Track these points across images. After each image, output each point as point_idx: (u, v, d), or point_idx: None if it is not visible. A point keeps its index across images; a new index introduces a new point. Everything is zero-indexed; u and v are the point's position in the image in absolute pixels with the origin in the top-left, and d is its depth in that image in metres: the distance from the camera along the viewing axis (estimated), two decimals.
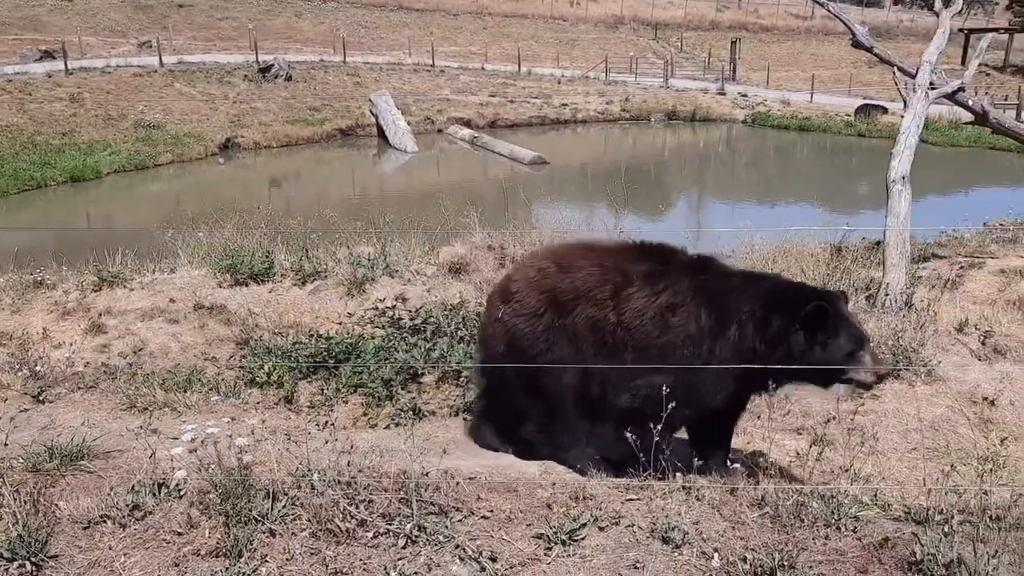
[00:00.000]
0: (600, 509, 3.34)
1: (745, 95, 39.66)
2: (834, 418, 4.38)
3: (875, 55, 9.88)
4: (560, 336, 3.96)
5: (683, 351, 3.66)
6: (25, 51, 31.03)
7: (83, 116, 26.14)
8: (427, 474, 3.47)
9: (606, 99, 38.46)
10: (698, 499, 3.38)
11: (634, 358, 3.75)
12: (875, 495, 3.50)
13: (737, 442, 4.47)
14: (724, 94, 39.86)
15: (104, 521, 3.34)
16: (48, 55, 30.50)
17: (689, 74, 44.63)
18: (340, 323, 6.64)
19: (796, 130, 34.68)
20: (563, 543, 3.16)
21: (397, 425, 4.89)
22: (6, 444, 3.64)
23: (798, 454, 3.48)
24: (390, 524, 3.25)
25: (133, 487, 3.49)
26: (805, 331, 3.54)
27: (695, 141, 35.98)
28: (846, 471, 3.76)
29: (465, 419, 4.94)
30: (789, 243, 8.88)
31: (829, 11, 10.22)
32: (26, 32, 33.42)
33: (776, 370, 3.55)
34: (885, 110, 33.47)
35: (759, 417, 4.96)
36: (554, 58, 43.66)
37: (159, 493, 3.47)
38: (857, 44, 9.83)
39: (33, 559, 3.13)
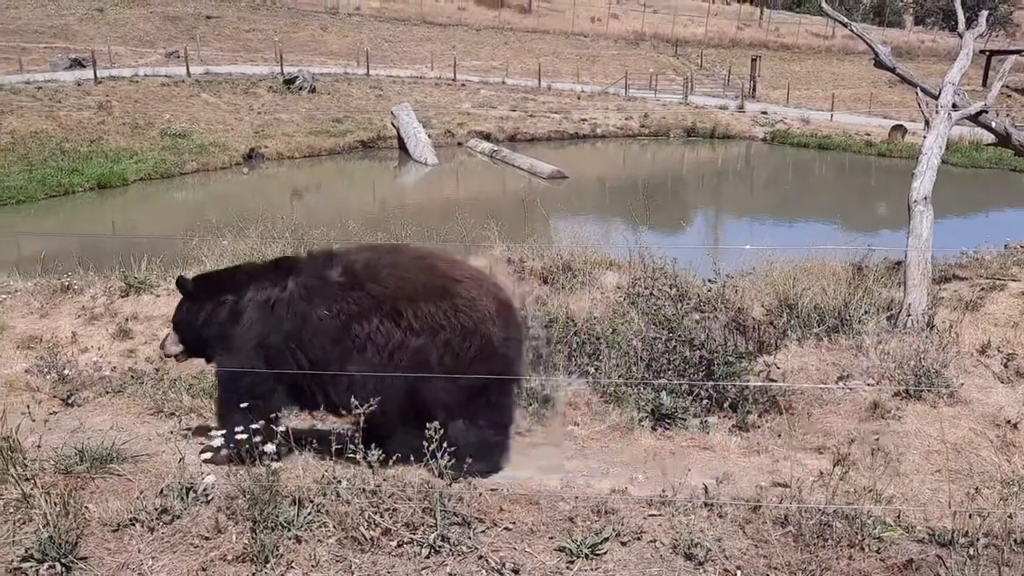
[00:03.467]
0: (622, 524, 3.36)
1: (765, 113, 39.62)
2: (857, 438, 4.39)
3: (898, 75, 9.88)
4: None
5: None
6: (55, 59, 31.47)
7: (111, 124, 26.48)
8: (450, 485, 3.51)
9: (625, 115, 38.53)
10: (720, 516, 3.39)
11: None
12: (898, 516, 3.50)
13: (759, 460, 4.48)
14: (743, 111, 39.83)
15: (133, 524, 3.39)
16: (78, 63, 30.93)
17: (709, 91, 44.64)
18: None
19: (815, 148, 34.59)
20: (586, 557, 3.18)
21: None
22: (38, 446, 3.70)
23: (821, 473, 3.49)
24: (414, 533, 3.28)
25: (162, 491, 3.54)
26: None
27: (714, 158, 35.95)
28: (869, 491, 3.76)
29: None
30: (809, 261, 8.87)
31: (852, 31, 10.23)
32: (57, 40, 33.92)
33: None
34: (906, 130, 33.37)
35: (780, 436, 4.97)
36: (574, 73, 43.82)
37: (187, 497, 3.51)
38: (880, 64, 9.84)
39: (63, 560, 3.18)
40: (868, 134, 34.52)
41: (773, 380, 5.46)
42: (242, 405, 4.01)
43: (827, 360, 6.09)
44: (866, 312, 6.90)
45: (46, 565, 3.15)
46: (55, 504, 3.37)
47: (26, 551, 3.19)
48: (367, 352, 4.07)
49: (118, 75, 29.75)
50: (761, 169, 34.50)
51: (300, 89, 32.69)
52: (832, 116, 38.76)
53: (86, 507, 3.47)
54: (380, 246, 4.67)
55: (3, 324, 6.78)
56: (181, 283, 4.42)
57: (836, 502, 3.35)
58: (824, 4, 10.75)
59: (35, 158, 23.31)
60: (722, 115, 39.09)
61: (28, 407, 4.27)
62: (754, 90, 44.39)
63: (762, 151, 36.20)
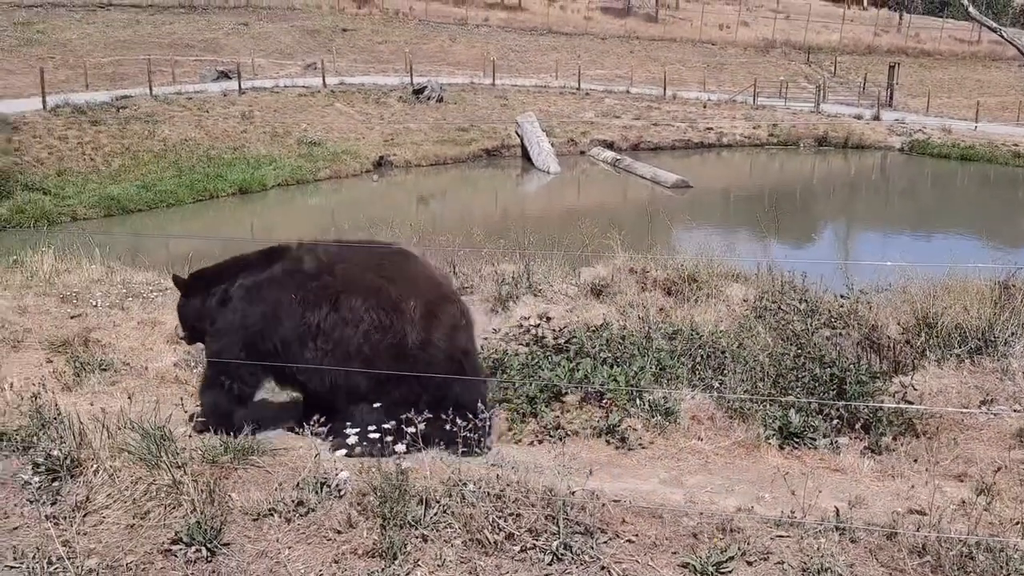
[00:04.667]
0: (748, 543, 3.30)
1: (902, 122, 37.86)
2: (1002, 467, 4.14)
3: None
4: None
5: None
6: (204, 71, 33.50)
7: (252, 132, 27.95)
8: (573, 493, 3.53)
9: (753, 123, 37.63)
10: (853, 541, 3.28)
11: None
12: None
13: (893, 484, 4.29)
14: (879, 120, 38.18)
15: (271, 514, 3.57)
16: (224, 75, 32.80)
17: (842, 99, 43.03)
18: (486, 338, 6.80)
19: (957, 159, 32.81)
20: (710, 575, 3.14)
21: (541, 442, 4.97)
22: (189, 436, 3.96)
23: (962, 502, 3.32)
24: (536, 539, 3.32)
25: (298, 484, 3.71)
26: None
27: (846, 168, 34.62)
28: (1016, 524, 3.55)
29: (607, 441, 4.96)
30: (950, 278, 8.41)
31: (1001, 36, 9.69)
32: (206, 53, 36.09)
33: None
34: None
35: (916, 461, 4.74)
36: (700, 82, 43.13)
37: (321, 491, 3.67)
38: None
39: (209, 545, 3.38)
40: (1016, 145, 32.46)
41: (910, 402, 5.22)
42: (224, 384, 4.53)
43: (969, 383, 5.77)
44: (1013, 334, 6.49)
45: (193, 548, 3.37)
46: (202, 491, 3.59)
47: (176, 534, 3.42)
48: (319, 338, 4.45)
49: (260, 86, 31.35)
50: (897, 180, 32.98)
51: (428, 99, 33.54)
52: (976, 126, 36.64)
53: (229, 496, 3.68)
54: (355, 242, 5.03)
55: (155, 320, 7.24)
56: (175, 281, 4.98)
57: (979, 533, 3.18)
58: (971, 8, 10.22)
59: (184, 164, 24.87)
60: (856, 124, 37.61)
61: (181, 399, 4.58)
62: (891, 98, 42.50)
63: (899, 161, 34.60)
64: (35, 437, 4.02)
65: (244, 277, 4.64)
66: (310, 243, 4.80)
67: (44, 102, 24.88)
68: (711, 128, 37.00)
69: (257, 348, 4.53)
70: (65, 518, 3.51)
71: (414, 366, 4.38)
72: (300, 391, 4.84)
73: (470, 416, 4.16)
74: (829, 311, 6.80)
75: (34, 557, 3.22)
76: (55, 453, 3.76)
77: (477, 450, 4.27)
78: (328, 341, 4.42)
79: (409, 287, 4.51)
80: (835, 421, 5.16)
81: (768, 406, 5.14)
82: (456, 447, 4.15)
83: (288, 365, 4.53)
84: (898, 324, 6.77)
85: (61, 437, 3.90)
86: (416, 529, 3.38)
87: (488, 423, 4.61)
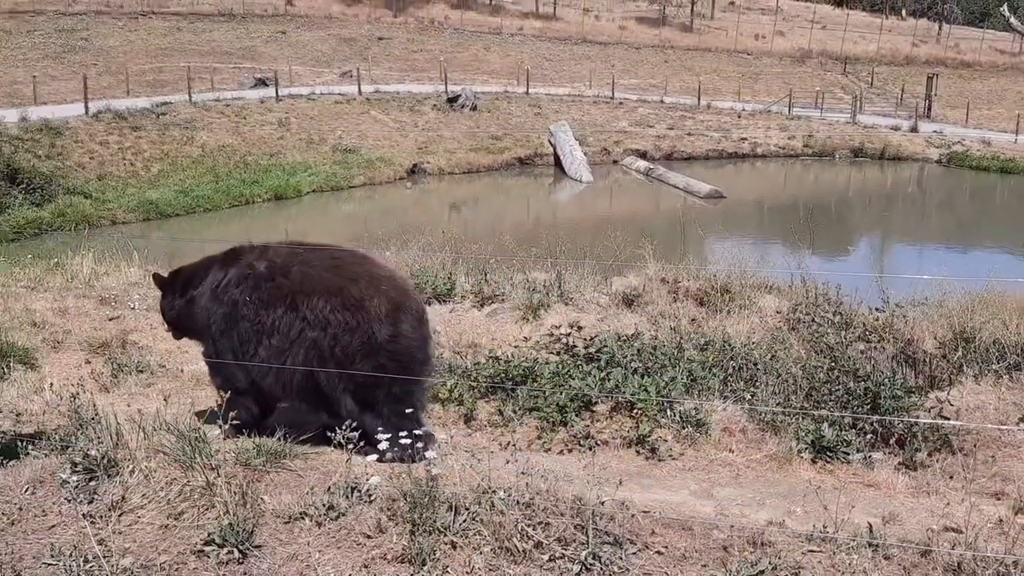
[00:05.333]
0: (779, 558, 3.27)
1: (941, 133, 37.33)
2: None
3: None
4: None
5: None
6: (242, 78, 34.01)
7: (288, 139, 28.29)
8: (603, 503, 3.52)
9: (788, 134, 37.32)
10: (886, 558, 3.23)
11: None
12: None
13: (928, 501, 4.23)
14: (917, 132, 37.68)
15: (302, 518, 3.60)
16: (262, 82, 33.26)
17: (879, 110, 42.55)
18: (516, 346, 6.81)
19: (997, 172, 32.27)
20: None
21: (570, 451, 4.97)
22: (224, 438, 4.01)
23: (1000, 521, 3.26)
24: (565, 549, 3.32)
25: (329, 488, 3.74)
26: None
27: (882, 180, 34.20)
28: None
29: (638, 452, 4.95)
30: (988, 292, 8.28)
31: None
32: (244, 61, 36.62)
33: None
34: None
35: (952, 478, 4.67)
36: (735, 92, 42.89)
37: (351, 496, 3.70)
38: None
39: (241, 547, 3.41)
40: None
41: (946, 417, 5.14)
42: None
43: (1007, 399, 5.67)
44: None
45: (225, 550, 3.40)
46: (235, 494, 3.63)
47: (208, 535, 3.46)
48: (275, 338, 4.53)
49: (296, 93, 31.73)
50: (935, 193, 32.53)
51: (462, 107, 33.72)
52: (1017, 138, 36.04)
53: (261, 498, 3.72)
54: (309, 245, 5.07)
55: None
56: (155, 278, 5.22)
57: (1016, 552, 3.13)
58: (1012, 19, 10.04)
59: (221, 170, 25.26)
60: (893, 135, 37.17)
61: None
62: (929, 109, 41.93)
63: (936, 174, 34.11)
64: (73, 437, 4.09)
65: (212, 279, 4.79)
66: (262, 245, 4.90)
67: (87, 108, 25.41)
68: (745, 138, 36.77)
69: (228, 345, 4.73)
70: (101, 517, 3.58)
71: (387, 361, 4.45)
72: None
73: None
74: (864, 324, 6.73)
75: (71, 555, 3.28)
76: (92, 453, 3.83)
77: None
78: (285, 340, 4.50)
79: (371, 286, 4.59)
80: (869, 436, 5.10)
81: (801, 419, 5.09)
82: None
83: (266, 363, 4.65)
84: (934, 338, 6.67)
85: (98, 437, 3.97)
86: (445, 535, 3.39)
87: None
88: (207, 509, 3.63)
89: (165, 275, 5.20)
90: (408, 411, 4.41)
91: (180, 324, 5.04)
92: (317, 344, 4.46)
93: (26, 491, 3.79)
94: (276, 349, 4.53)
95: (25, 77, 29.22)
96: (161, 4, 39.60)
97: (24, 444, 4.11)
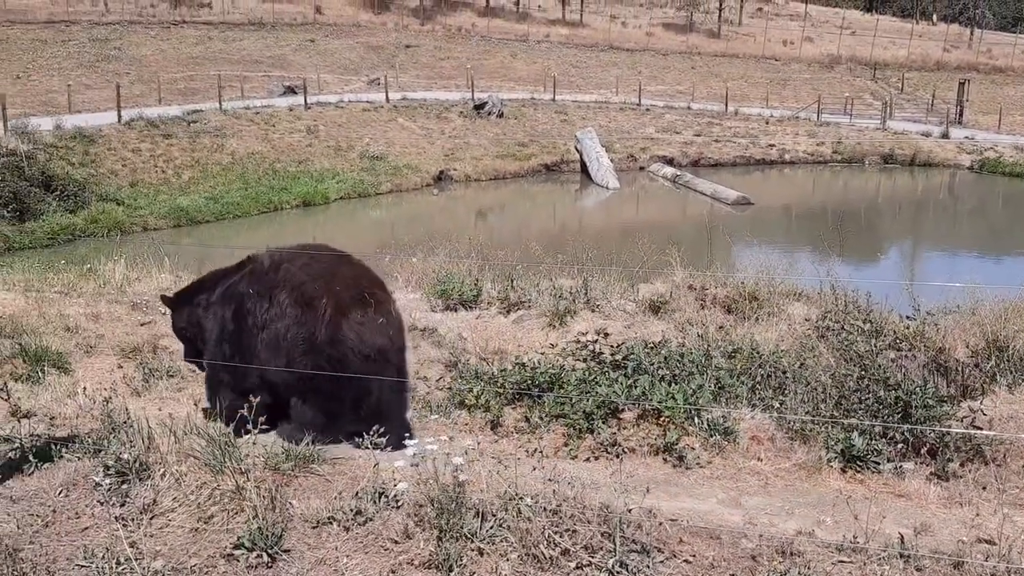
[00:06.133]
0: (809, 568, 3.24)
1: (972, 139, 36.82)
2: None
3: None
4: None
5: None
6: (272, 86, 34.37)
7: (317, 146, 28.53)
8: (630, 511, 3.50)
9: (816, 140, 37.02)
10: (918, 569, 3.19)
11: None
12: None
13: (960, 512, 4.17)
14: (948, 138, 37.21)
15: (330, 522, 3.62)
16: (291, 90, 33.59)
17: (909, 116, 42.10)
18: (542, 353, 6.81)
19: None
20: None
21: (597, 458, 4.95)
22: (253, 443, 4.04)
23: None
24: (592, 556, 3.31)
25: (357, 493, 3.76)
26: None
27: (913, 186, 33.81)
28: None
29: (665, 459, 4.92)
30: (1022, 301, 8.15)
31: None
32: (274, 69, 37.00)
33: None
34: None
35: (985, 488, 4.60)
36: (763, 98, 42.64)
37: (379, 501, 3.71)
38: None
39: (270, 551, 3.44)
40: None
41: (979, 427, 5.06)
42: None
43: None
44: None
45: (255, 554, 3.43)
46: (264, 498, 3.66)
47: (238, 539, 3.49)
48: (265, 330, 4.80)
49: (325, 101, 32.00)
50: (967, 199, 32.09)
51: (489, 114, 33.82)
52: None
53: (290, 503, 3.75)
54: (310, 246, 5.27)
55: None
56: (163, 300, 5.44)
57: None
58: None
59: (250, 177, 25.51)
60: (924, 141, 36.74)
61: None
62: (960, 115, 41.41)
63: (968, 180, 33.66)
64: (106, 440, 4.15)
65: (222, 284, 5.01)
66: (274, 248, 5.13)
67: (119, 116, 25.78)
68: (773, 144, 36.53)
69: (238, 345, 4.90)
70: (133, 520, 3.62)
71: (328, 363, 4.61)
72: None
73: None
74: (894, 332, 6.64)
75: (103, 557, 3.33)
76: (125, 456, 3.88)
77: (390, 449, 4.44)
78: (268, 332, 4.77)
79: (324, 285, 4.75)
80: (900, 445, 5.03)
81: (830, 428, 5.04)
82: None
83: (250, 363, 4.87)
84: (967, 347, 6.58)
85: (130, 441, 4.02)
86: (472, 542, 3.39)
87: (402, 418, 4.95)
88: (236, 513, 3.66)
89: (172, 296, 5.46)
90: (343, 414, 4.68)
91: (191, 335, 5.21)
92: (279, 334, 4.73)
93: (60, 493, 3.85)
94: (263, 341, 4.78)
95: (60, 86, 29.73)
96: (193, 14, 40.16)
97: (58, 447, 4.17)
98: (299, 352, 4.66)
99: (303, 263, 4.91)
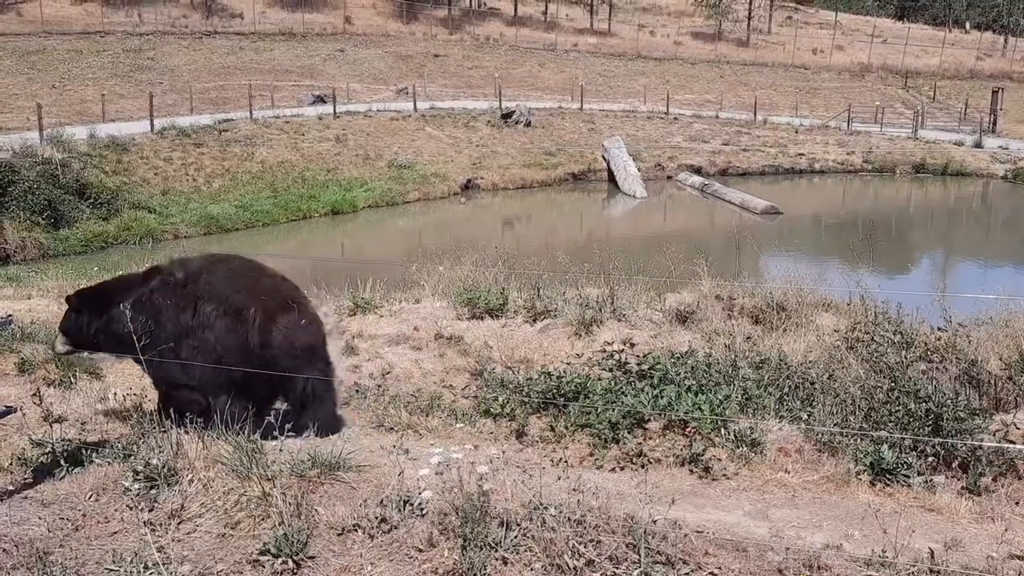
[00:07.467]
0: None
1: (1006, 148, 36.27)
2: None
3: None
4: None
5: None
6: (301, 95, 34.71)
7: (345, 155, 28.73)
8: (655, 522, 3.48)
9: (847, 149, 36.67)
10: None
11: None
12: None
13: (992, 527, 4.10)
14: (981, 147, 36.68)
15: (355, 530, 3.64)
16: (320, 99, 33.89)
17: (941, 125, 41.57)
18: (568, 362, 6.80)
19: None
20: None
21: (622, 469, 4.93)
22: (280, 450, 4.08)
23: None
24: (617, 567, 3.29)
25: (382, 501, 3.77)
26: None
27: (945, 196, 33.36)
28: None
29: (691, 470, 4.89)
30: None
31: None
32: (303, 79, 37.36)
33: None
34: None
35: (1018, 503, 4.52)
36: (792, 106, 42.34)
37: (404, 510, 3.72)
38: None
39: (295, 558, 3.46)
40: None
41: (1012, 441, 4.97)
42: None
43: None
44: None
45: (280, 560, 3.45)
46: (290, 504, 3.69)
47: (264, 545, 3.52)
48: (190, 337, 5.05)
49: (354, 110, 32.23)
50: (1000, 209, 31.61)
51: (516, 123, 33.88)
52: None
53: (316, 509, 3.77)
54: (218, 256, 5.71)
55: None
56: (68, 299, 5.44)
57: None
58: None
59: (280, 185, 25.74)
60: (956, 151, 36.25)
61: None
62: (994, 124, 40.81)
63: (1001, 190, 33.16)
64: (135, 446, 4.21)
65: (133, 293, 5.13)
66: (180, 259, 5.43)
67: (152, 125, 26.15)
68: (802, 154, 36.23)
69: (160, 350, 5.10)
70: (161, 524, 3.66)
71: (261, 365, 5.03)
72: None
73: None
74: (925, 344, 6.55)
75: (131, 561, 3.36)
76: (154, 462, 3.93)
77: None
78: (195, 340, 5.03)
79: (250, 296, 5.15)
80: (930, 459, 4.96)
81: (859, 440, 4.98)
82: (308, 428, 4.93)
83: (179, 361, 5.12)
84: (1000, 359, 6.47)
85: (159, 446, 4.07)
86: (496, 551, 3.39)
87: (332, 401, 5.46)
88: (263, 519, 3.69)
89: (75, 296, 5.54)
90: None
91: (85, 340, 5.33)
92: (207, 342, 5.02)
93: (90, 498, 3.91)
94: (190, 347, 5.03)
95: (94, 95, 30.21)
96: (225, 24, 40.67)
97: (89, 452, 4.23)
98: (233, 359, 5.03)
99: (224, 276, 5.25)
